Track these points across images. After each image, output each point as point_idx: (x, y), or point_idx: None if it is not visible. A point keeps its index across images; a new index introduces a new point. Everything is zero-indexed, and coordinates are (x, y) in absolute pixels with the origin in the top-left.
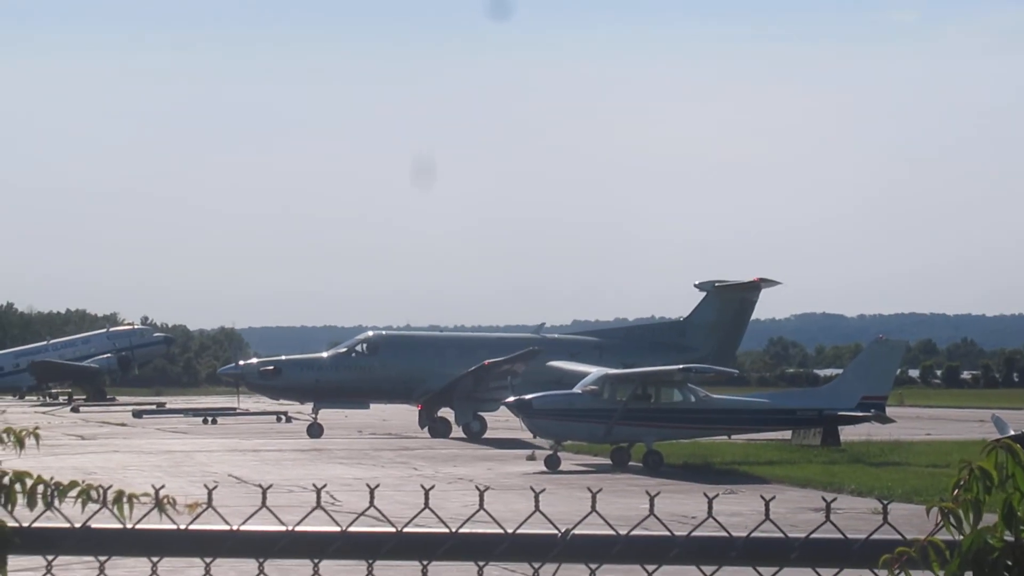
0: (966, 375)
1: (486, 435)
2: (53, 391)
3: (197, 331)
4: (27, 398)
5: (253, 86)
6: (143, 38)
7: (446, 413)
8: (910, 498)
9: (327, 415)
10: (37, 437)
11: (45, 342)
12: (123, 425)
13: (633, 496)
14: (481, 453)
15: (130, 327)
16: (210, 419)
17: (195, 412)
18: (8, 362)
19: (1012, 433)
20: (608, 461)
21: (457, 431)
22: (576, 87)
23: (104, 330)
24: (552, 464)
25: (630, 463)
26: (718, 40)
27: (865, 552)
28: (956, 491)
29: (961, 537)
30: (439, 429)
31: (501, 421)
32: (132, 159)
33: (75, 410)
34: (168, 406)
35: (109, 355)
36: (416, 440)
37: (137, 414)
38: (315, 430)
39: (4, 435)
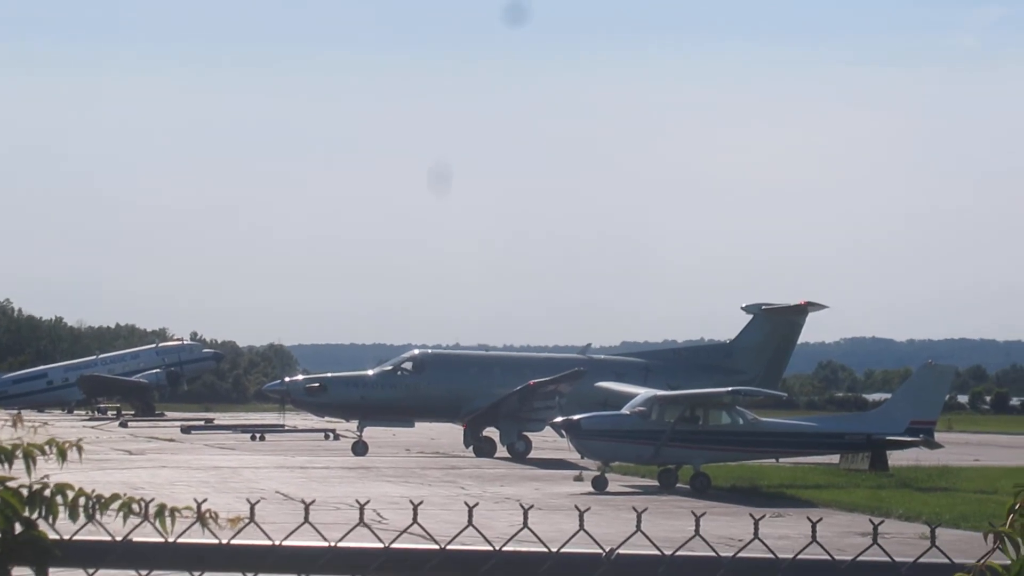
0: (1015, 401)
1: (531, 455)
2: (102, 406)
3: (246, 347)
4: (76, 412)
5: (302, 102)
6: (199, 56)
7: (491, 432)
8: (958, 523)
9: (376, 433)
10: (80, 449)
11: (94, 356)
12: (171, 440)
13: (680, 518)
14: (528, 473)
15: (179, 343)
16: (258, 436)
17: (243, 428)
18: (58, 376)
19: None
20: (655, 483)
21: (502, 450)
22: (619, 106)
23: (153, 345)
24: (599, 485)
25: (677, 485)
26: (766, 61)
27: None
28: (1011, 515)
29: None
30: (484, 448)
31: (547, 441)
32: (183, 175)
33: (123, 425)
34: (216, 422)
35: (158, 370)
36: (463, 459)
37: (185, 430)
38: (360, 448)
39: (47, 447)
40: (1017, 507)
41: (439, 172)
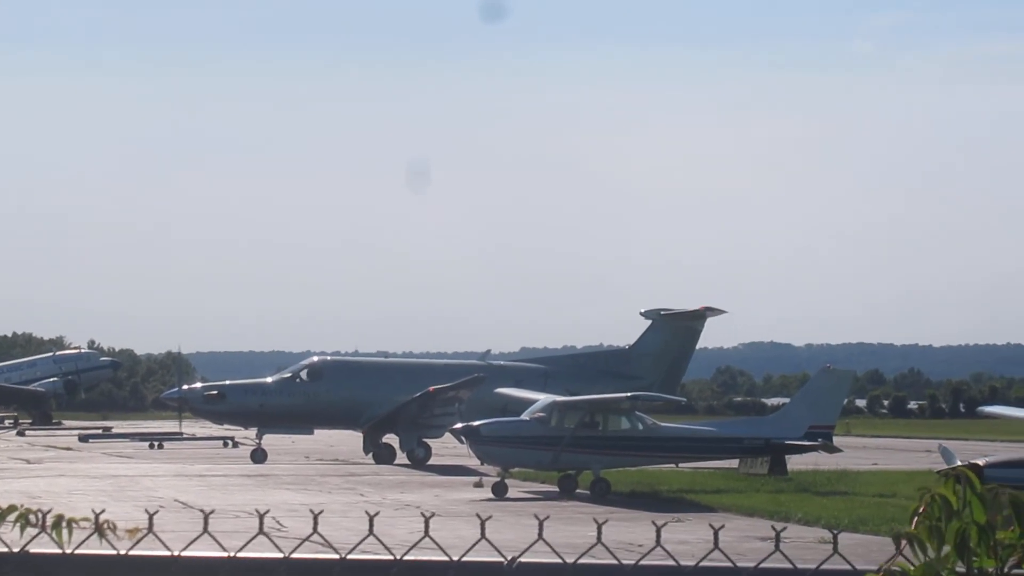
0: (913, 405)
1: (431, 461)
2: None
3: (144, 355)
4: None
5: (202, 110)
6: (103, 56)
7: (391, 439)
8: (857, 528)
9: (275, 441)
10: None
11: None
12: (69, 449)
13: (580, 524)
14: (428, 480)
15: (77, 351)
16: (156, 444)
17: (141, 437)
18: None
19: (959, 463)
20: (555, 488)
21: (401, 457)
22: (529, 111)
23: (51, 354)
24: (499, 491)
25: (577, 491)
26: (661, 65)
27: None
28: (915, 518)
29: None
30: (383, 455)
31: (447, 448)
32: (80, 181)
33: (21, 434)
34: (114, 430)
35: (55, 379)
36: (363, 466)
37: (83, 438)
38: (258, 455)
39: None
40: (921, 510)
41: (371, 186)
